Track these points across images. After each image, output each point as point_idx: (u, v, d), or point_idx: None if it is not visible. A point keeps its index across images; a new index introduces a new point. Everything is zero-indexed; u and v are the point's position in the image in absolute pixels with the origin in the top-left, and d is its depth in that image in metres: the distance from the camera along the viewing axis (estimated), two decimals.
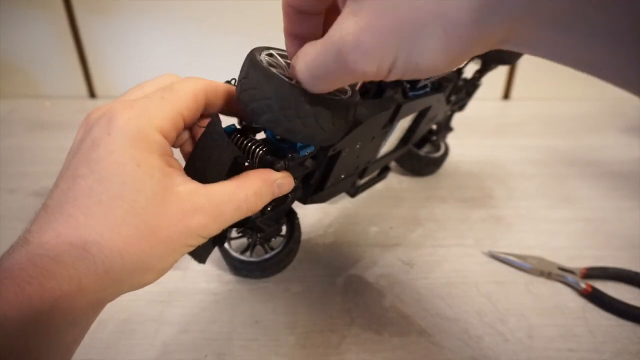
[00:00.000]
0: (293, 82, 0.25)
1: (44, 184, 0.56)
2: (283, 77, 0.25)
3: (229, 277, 0.44)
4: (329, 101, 0.25)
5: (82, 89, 0.79)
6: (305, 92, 0.24)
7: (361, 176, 0.44)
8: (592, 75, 0.18)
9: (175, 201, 0.23)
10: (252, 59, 0.26)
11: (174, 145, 0.28)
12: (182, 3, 0.72)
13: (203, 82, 0.27)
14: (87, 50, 0.76)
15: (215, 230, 0.25)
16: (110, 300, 0.24)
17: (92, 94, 0.80)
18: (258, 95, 0.25)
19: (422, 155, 0.57)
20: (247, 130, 0.30)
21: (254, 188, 0.26)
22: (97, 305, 0.23)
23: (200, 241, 0.25)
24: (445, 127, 0.58)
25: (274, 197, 0.28)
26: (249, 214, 0.27)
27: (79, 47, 0.76)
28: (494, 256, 0.46)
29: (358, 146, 0.38)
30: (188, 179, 0.25)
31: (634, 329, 0.39)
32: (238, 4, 0.71)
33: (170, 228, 0.23)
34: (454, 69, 0.21)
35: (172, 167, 0.25)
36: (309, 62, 0.23)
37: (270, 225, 0.38)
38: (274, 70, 0.25)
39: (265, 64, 0.26)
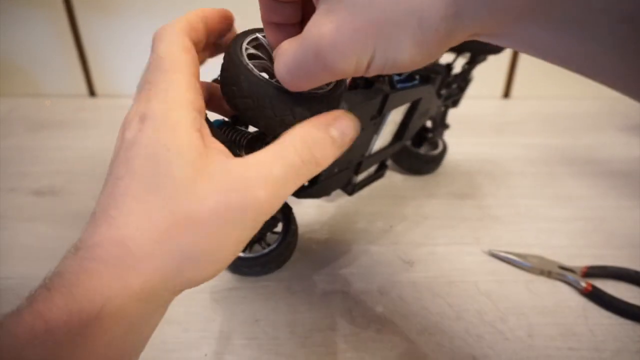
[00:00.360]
0: (269, 79, 0.25)
1: (44, 184, 0.56)
2: (258, 73, 0.25)
3: (228, 275, 0.44)
4: (307, 97, 0.25)
5: (82, 87, 0.79)
6: (281, 89, 0.24)
7: (357, 172, 0.44)
8: (561, 66, 0.19)
9: (210, 180, 0.21)
10: (231, 53, 0.26)
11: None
12: (183, 2, 0.71)
13: (180, 30, 0.25)
14: (87, 49, 0.76)
15: (269, 202, 0.22)
16: (167, 302, 0.22)
17: (92, 92, 0.80)
18: (237, 92, 0.25)
19: (420, 154, 0.57)
20: (238, 121, 0.30)
21: (307, 138, 0.23)
22: (151, 308, 0.21)
23: (256, 219, 0.22)
24: (440, 123, 0.58)
25: (339, 148, 0.25)
26: (311, 172, 0.24)
27: (79, 46, 0.76)
28: (494, 255, 0.46)
29: None
30: (228, 154, 0.23)
31: (634, 328, 0.39)
32: (238, 3, 0.71)
33: (210, 210, 0.21)
34: (431, 62, 0.21)
35: (208, 146, 0.23)
36: (288, 62, 0.22)
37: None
38: (251, 64, 0.25)
39: (244, 56, 0.26)
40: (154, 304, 0.21)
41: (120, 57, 0.77)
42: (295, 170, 0.23)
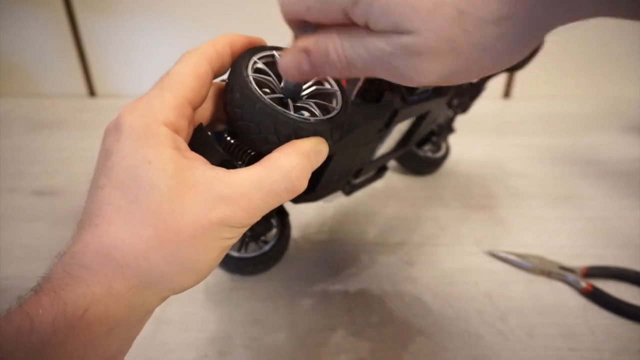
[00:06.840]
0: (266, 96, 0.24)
1: (43, 184, 0.56)
2: (254, 87, 0.24)
3: (228, 276, 0.44)
4: (310, 123, 0.25)
5: (82, 87, 0.79)
6: (283, 114, 0.24)
7: (357, 175, 0.44)
8: None
9: (193, 194, 0.22)
10: (236, 62, 0.26)
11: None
12: (183, 1, 0.71)
13: (201, 54, 0.25)
14: (87, 49, 0.76)
15: (246, 219, 0.23)
16: (153, 306, 0.23)
17: (91, 92, 0.80)
18: (230, 100, 0.25)
19: (422, 156, 0.57)
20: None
21: (288, 165, 0.23)
22: (136, 312, 0.22)
23: (235, 232, 0.23)
24: (446, 128, 0.57)
25: (315, 168, 0.25)
26: (292, 194, 0.24)
27: (78, 45, 0.76)
28: (495, 255, 0.46)
29: (352, 150, 0.37)
30: (209, 167, 0.23)
31: (635, 328, 0.39)
32: (240, 3, 0.71)
33: (192, 224, 0.22)
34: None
35: (190, 159, 0.23)
36: (361, 44, 0.21)
37: (260, 224, 0.38)
38: (252, 77, 0.25)
39: (248, 68, 0.25)
40: (139, 308, 0.22)
41: (120, 57, 0.77)
42: (276, 195, 0.23)
